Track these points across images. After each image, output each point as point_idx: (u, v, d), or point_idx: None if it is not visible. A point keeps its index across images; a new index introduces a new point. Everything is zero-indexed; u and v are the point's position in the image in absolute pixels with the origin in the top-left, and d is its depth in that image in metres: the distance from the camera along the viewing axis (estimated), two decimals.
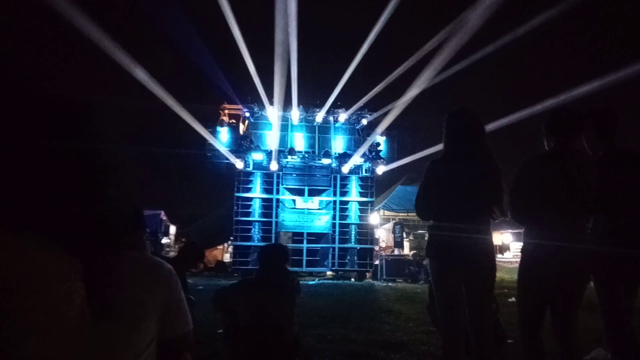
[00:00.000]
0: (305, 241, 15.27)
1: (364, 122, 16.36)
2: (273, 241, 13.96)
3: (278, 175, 15.43)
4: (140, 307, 1.26)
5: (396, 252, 16.73)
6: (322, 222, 15.49)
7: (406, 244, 17.39)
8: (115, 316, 1.24)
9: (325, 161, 15.54)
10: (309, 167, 15.73)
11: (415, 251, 16.55)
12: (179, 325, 1.28)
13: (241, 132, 16.25)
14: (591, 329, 3.40)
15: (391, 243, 17.73)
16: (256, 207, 15.30)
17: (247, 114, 15.98)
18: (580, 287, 2.56)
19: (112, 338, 1.22)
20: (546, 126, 2.74)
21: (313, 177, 15.79)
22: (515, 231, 18.00)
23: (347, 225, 15.71)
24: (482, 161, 2.68)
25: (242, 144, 15.20)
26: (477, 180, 2.64)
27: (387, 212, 18.91)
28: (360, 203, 15.90)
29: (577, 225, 2.56)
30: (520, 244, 2.81)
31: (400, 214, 18.63)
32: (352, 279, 15.06)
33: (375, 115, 16.21)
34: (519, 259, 2.79)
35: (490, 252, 2.68)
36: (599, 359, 3.44)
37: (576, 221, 2.56)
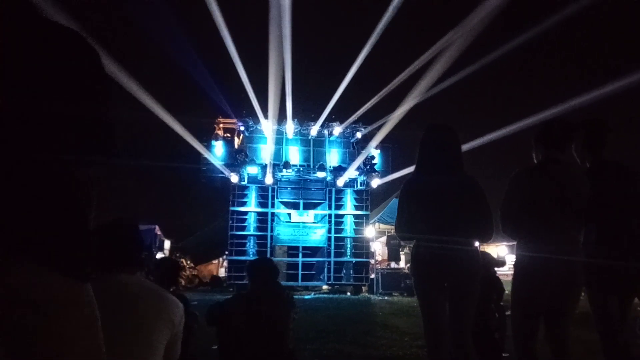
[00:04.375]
0: (300, 255, 15.19)
1: (359, 135, 16.42)
2: (268, 255, 13.89)
3: (273, 189, 15.41)
4: (150, 333, 1.31)
5: (392, 265, 16.67)
6: (317, 235, 15.44)
7: (402, 257, 17.32)
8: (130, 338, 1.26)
9: (320, 175, 15.56)
10: (304, 180, 15.73)
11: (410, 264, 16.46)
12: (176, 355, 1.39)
13: (236, 146, 16.27)
14: (586, 340, 3.40)
15: (386, 256, 17.66)
16: (251, 221, 15.24)
17: (242, 128, 16.00)
18: (573, 299, 2.57)
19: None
20: (536, 137, 2.77)
21: (308, 191, 15.78)
22: (510, 244, 18.01)
23: (343, 239, 15.66)
24: (455, 173, 2.71)
25: (237, 158, 15.20)
26: (455, 191, 2.67)
27: (382, 225, 18.87)
28: (356, 216, 15.88)
29: (569, 237, 2.58)
30: (514, 257, 2.82)
31: None
32: (348, 293, 14.97)
33: (369, 128, 16.30)
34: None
35: (472, 264, 2.66)
36: None
37: (568, 233, 2.58)
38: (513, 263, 2.76)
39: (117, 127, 1.12)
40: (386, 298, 13.48)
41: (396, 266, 16.51)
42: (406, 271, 15.74)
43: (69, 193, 1.00)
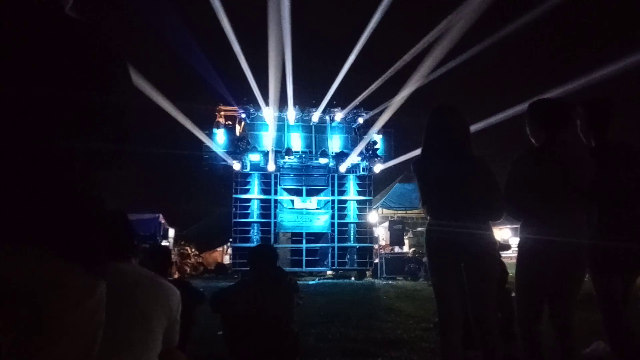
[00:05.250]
0: (304, 241, 15.27)
1: (361, 120, 16.35)
2: (272, 242, 13.96)
3: (275, 176, 15.41)
4: (148, 320, 1.33)
5: (396, 249, 16.73)
6: (320, 221, 15.48)
7: (406, 242, 17.38)
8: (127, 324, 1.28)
9: (323, 161, 15.53)
10: (306, 167, 15.72)
11: (414, 249, 16.55)
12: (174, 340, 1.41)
13: (237, 133, 16.23)
14: (590, 321, 3.41)
15: (389, 241, 17.72)
16: (254, 208, 15.28)
17: (243, 115, 15.95)
18: (577, 280, 2.56)
19: (124, 344, 1.26)
20: (531, 118, 2.73)
21: (311, 177, 15.78)
22: (514, 226, 18.01)
23: (346, 225, 15.70)
24: (462, 155, 2.68)
25: (239, 145, 15.17)
26: (463, 174, 2.65)
27: (385, 210, 18.90)
28: (359, 202, 15.90)
29: (573, 218, 2.56)
30: (518, 239, 2.81)
31: (399, 212, 18.62)
32: (352, 278, 15.06)
33: (371, 113, 16.21)
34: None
35: (489, 245, 2.66)
36: (599, 351, 3.45)
37: (572, 214, 2.56)
38: (517, 245, 2.75)
39: (129, 112, 1.10)
40: (390, 282, 13.55)
41: (400, 251, 16.57)
42: (410, 255, 15.82)
43: (81, 183, 1.00)
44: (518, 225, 2.75)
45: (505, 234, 20.76)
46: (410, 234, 17.74)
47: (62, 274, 0.92)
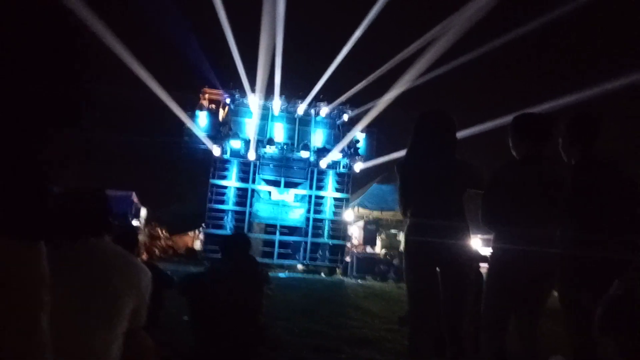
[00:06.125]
0: (278, 233, 15.20)
1: (345, 117, 16.35)
2: (246, 231, 13.85)
3: (255, 165, 15.28)
4: (117, 297, 1.30)
5: (368, 249, 16.85)
6: (296, 215, 15.45)
7: (378, 242, 17.52)
8: (92, 303, 1.24)
9: (304, 154, 15.47)
10: (286, 159, 15.62)
11: (385, 250, 16.70)
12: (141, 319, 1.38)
13: (220, 118, 16.00)
14: (551, 335, 3.47)
15: (363, 240, 17.84)
16: (231, 196, 15.12)
17: (228, 100, 15.73)
18: (547, 291, 2.61)
19: (88, 323, 1.22)
20: (514, 131, 2.75)
21: (290, 170, 15.70)
22: (485, 237, 18.34)
23: (321, 220, 15.69)
24: (446, 158, 2.70)
25: (221, 130, 14.98)
26: (445, 178, 2.67)
27: (361, 210, 18.99)
28: (336, 199, 15.90)
29: (546, 231, 2.60)
30: (489, 250, 2.84)
31: (374, 212, 18.75)
32: (322, 274, 15.09)
33: (356, 111, 16.23)
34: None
35: (466, 250, 2.68)
36: None
37: (546, 226, 2.60)
38: (489, 254, 2.78)
39: (84, 95, 1.05)
40: (359, 281, 13.64)
41: (372, 251, 16.70)
42: (381, 256, 15.95)
43: (17, 157, 0.94)
44: (490, 236, 2.77)
45: (476, 243, 21.16)
46: (383, 235, 17.90)
47: None
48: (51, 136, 1.00)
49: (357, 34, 14.02)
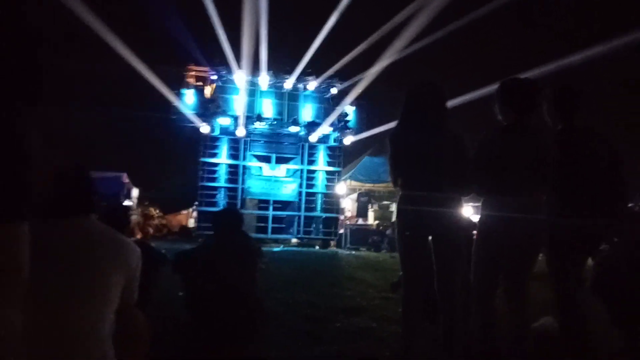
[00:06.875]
0: (271, 208, 15.29)
1: (334, 91, 16.22)
2: (239, 207, 13.88)
3: (245, 142, 15.21)
4: (105, 275, 1.31)
5: (360, 221, 17.02)
6: (288, 190, 15.50)
7: (370, 214, 17.68)
8: (79, 282, 1.25)
9: (294, 129, 15.41)
10: (276, 134, 15.57)
11: (378, 221, 16.87)
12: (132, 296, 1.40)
13: (207, 95, 15.79)
14: (541, 299, 3.56)
15: (355, 213, 17.99)
16: (222, 173, 15.10)
17: (214, 77, 15.51)
18: (533, 256, 2.67)
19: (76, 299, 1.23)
20: (501, 98, 2.76)
21: (281, 145, 15.67)
22: (476, 205, 18.51)
23: (314, 194, 15.78)
24: (438, 130, 2.72)
25: (209, 108, 14.81)
26: (436, 148, 2.69)
27: (353, 182, 19.07)
28: (328, 172, 15.95)
29: (532, 198, 2.64)
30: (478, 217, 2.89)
31: (367, 185, 18.84)
32: (317, 247, 15.26)
33: (345, 84, 16.07)
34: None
35: (458, 219, 2.73)
36: (546, 326, 3.62)
37: (532, 193, 2.64)
38: (477, 222, 2.83)
39: (44, 70, 1.04)
40: (353, 253, 13.81)
41: (364, 223, 16.86)
42: (374, 228, 16.14)
43: None
44: (479, 204, 2.81)
45: (466, 211, 21.43)
46: (375, 207, 18.05)
47: None
48: (24, 112, 0.99)
49: (343, 4, 13.74)
